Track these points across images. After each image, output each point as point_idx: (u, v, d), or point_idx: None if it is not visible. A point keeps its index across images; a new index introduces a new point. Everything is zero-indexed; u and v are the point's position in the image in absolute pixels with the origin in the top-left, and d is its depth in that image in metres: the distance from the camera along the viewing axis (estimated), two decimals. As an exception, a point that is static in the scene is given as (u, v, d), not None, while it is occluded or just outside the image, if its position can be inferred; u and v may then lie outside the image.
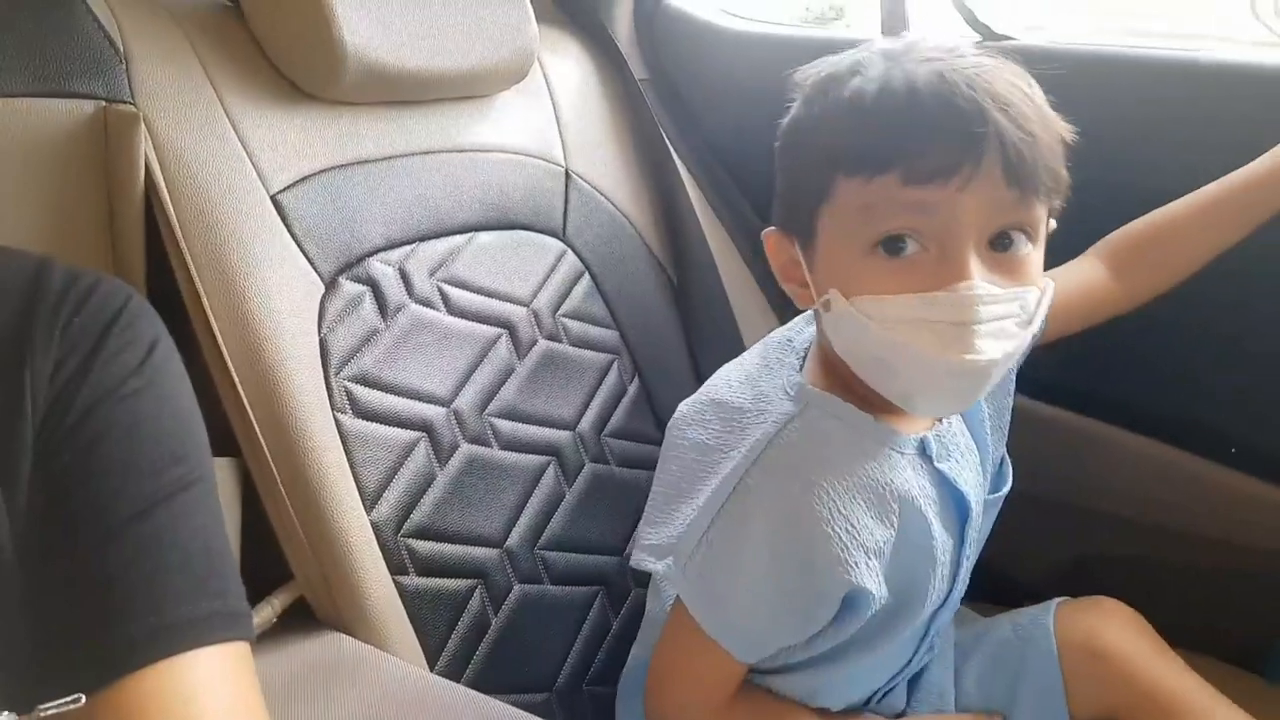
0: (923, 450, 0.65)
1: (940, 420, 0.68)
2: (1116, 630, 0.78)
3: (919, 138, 0.54)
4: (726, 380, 0.71)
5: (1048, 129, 0.56)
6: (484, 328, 0.82)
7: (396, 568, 0.71)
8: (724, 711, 0.70)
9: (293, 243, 0.71)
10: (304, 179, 0.73)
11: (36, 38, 0.63)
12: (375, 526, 0.70)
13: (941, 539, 0.66)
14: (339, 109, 0.77)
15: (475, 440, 0.79)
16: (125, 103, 0.65)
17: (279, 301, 0.69)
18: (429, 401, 0.76)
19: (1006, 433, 0.76)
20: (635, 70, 1.07)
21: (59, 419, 0.40)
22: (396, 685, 0.63)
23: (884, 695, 0.76)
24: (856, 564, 0.60)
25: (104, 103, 0.64)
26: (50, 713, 0.37)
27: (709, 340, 1.00)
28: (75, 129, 0.63)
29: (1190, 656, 0.77)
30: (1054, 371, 0.83)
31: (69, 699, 0.37)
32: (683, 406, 0.72)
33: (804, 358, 0.69)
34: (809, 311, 0.70)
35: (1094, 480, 0.94)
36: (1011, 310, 0.56)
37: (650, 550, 0.66)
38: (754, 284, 1.10)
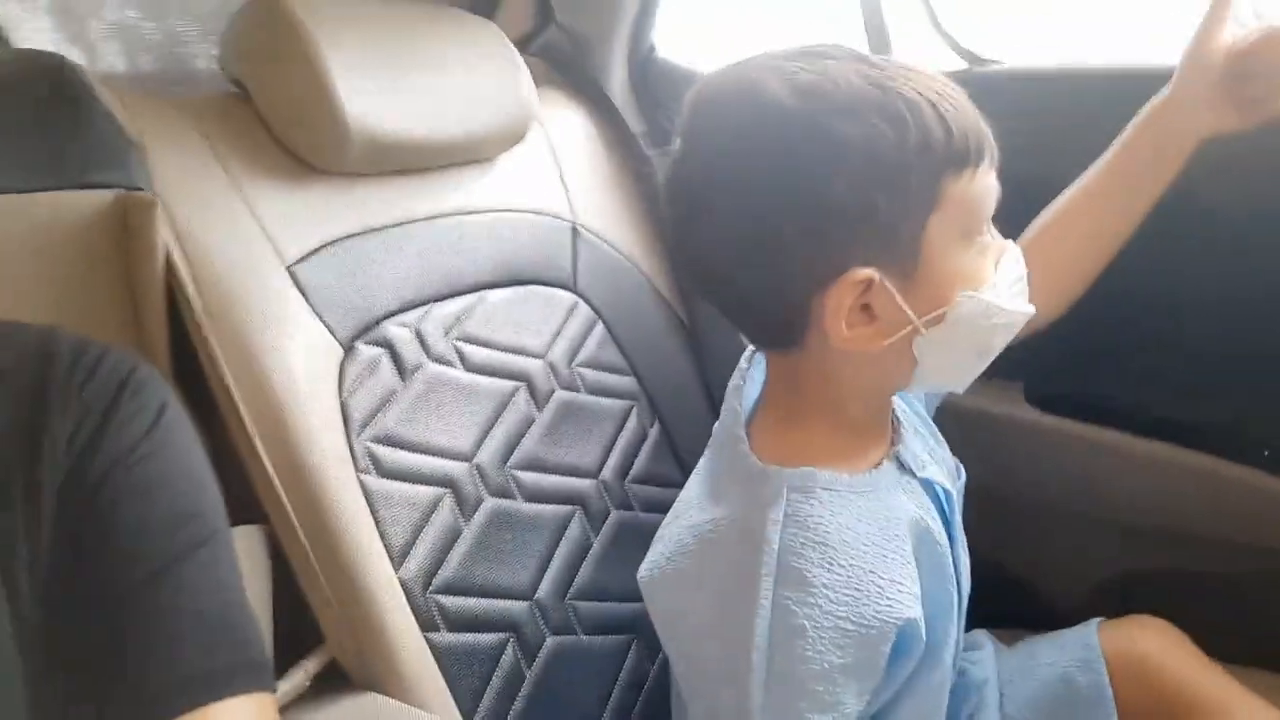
0: (903, 467, 0.64)
1: (897, 430, 0.67)
2: (1159, 645, 0.77)
3: (980, 124, 0.58)
4: (689, 500, 0.67)
5: None
6: (502, 382, 0.84)
7: (427, 624, 0.71)
8: None
9: (310, 311, 0.73)
10: (318, 249, 0.75)
11: (55, 137, 0.66)
12: (404, 584, 0.70)
13: (945, 546, 0.65)
14: (348, 180, 0.80)
15: (499, 493, 0.79)
16: (141, 190, 0.68)
17: (299, 369, 0.70)
18: (451, 457, 0.77)
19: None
20: (633, 123, 1.10)
21: (75, 487, 0.41)
22: (433, 742, 0.63)
23: None
24: (899, 601, 0.58)
25: (122, 191, 0.67)
26: None
27: (724, 376, 1.00)
28: (95, 218, 0.66)
29: (1234, 670, 0.76)
30: (1067, 383, 0.82)
31: None
32: (654, 556, 0.67)
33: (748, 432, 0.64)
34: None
35: (1120, 494, 0.92)
36: None
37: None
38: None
